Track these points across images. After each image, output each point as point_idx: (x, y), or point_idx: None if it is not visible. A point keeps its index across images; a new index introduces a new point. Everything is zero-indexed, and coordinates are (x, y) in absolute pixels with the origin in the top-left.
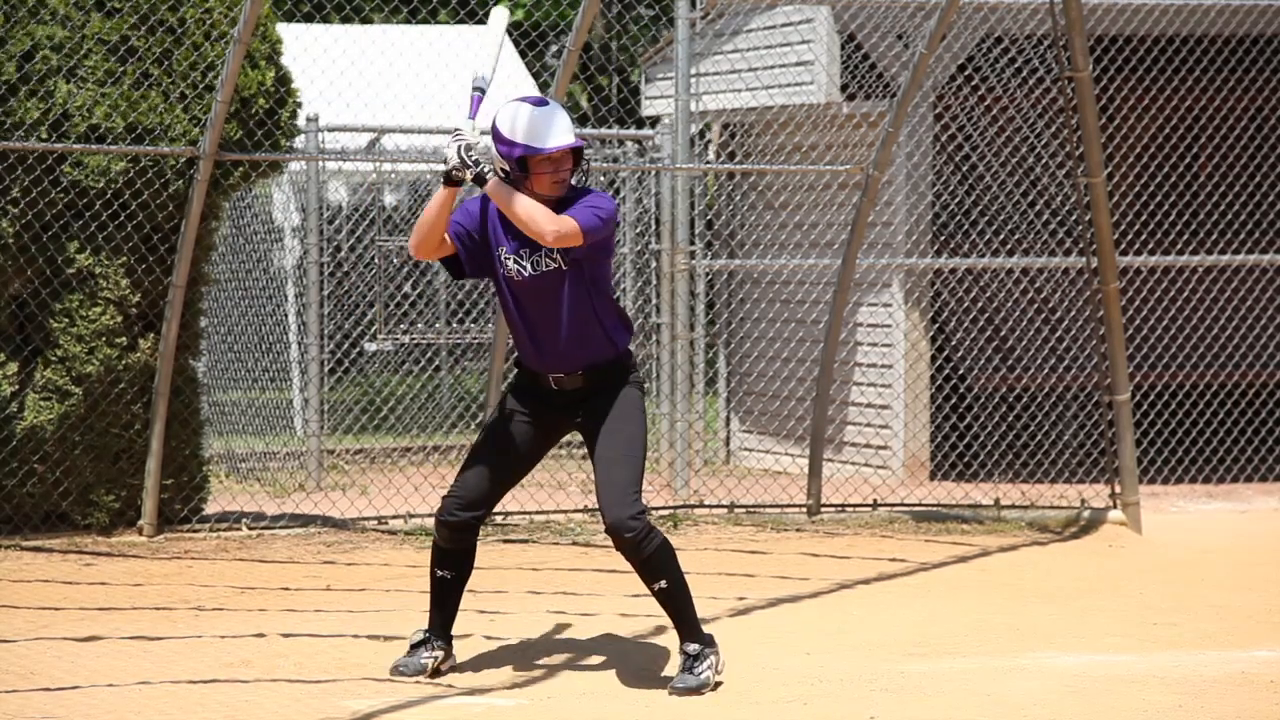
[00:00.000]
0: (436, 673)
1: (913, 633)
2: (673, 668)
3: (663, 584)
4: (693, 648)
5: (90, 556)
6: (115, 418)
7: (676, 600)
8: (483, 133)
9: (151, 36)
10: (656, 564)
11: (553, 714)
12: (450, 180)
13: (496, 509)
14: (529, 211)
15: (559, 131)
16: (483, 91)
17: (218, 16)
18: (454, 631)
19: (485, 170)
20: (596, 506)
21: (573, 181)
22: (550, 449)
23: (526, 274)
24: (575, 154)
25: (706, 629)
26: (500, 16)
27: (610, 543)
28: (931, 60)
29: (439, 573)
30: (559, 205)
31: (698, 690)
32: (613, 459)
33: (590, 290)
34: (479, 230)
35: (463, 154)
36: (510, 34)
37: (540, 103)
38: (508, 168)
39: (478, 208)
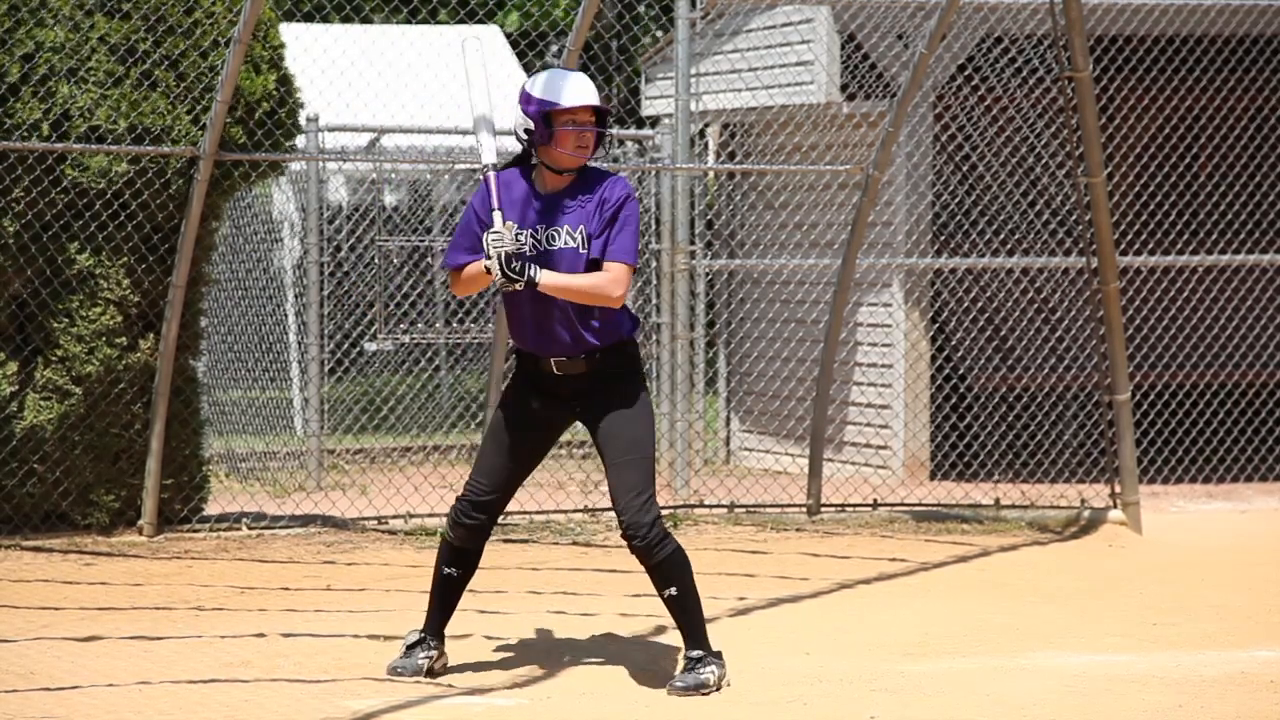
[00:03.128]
0: (431, 672)
1: (913, 633)
2: (673, 668)
3: (673, 591)
4: (696, 652)
5: (90, 556)
6: (115, 418)
7: (686, 609)
8: (497, 158)
9: (155, 38)
10: (667, 571)
11: (553, 714)
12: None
13: None
14: (587, 288)
15: (585, 91)
16: (494, 168)
17: (219, 17)
18: (455, 632)
19: (534, 275)
20: (598, 507)
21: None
22: (556, 441)
23: (537, 251)
24: (599, 124)
25: (707, 629)
26: (472, 47)
27: (610, 542)
28: (931, 60)
29: (445, 570)
30: (579, 183)
31: (697, 689)
32: (626, 462)
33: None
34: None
35: (506, 270)
36: (509, 35)
37: (569, 70)
38: (532, 127)
39: (479, 210)
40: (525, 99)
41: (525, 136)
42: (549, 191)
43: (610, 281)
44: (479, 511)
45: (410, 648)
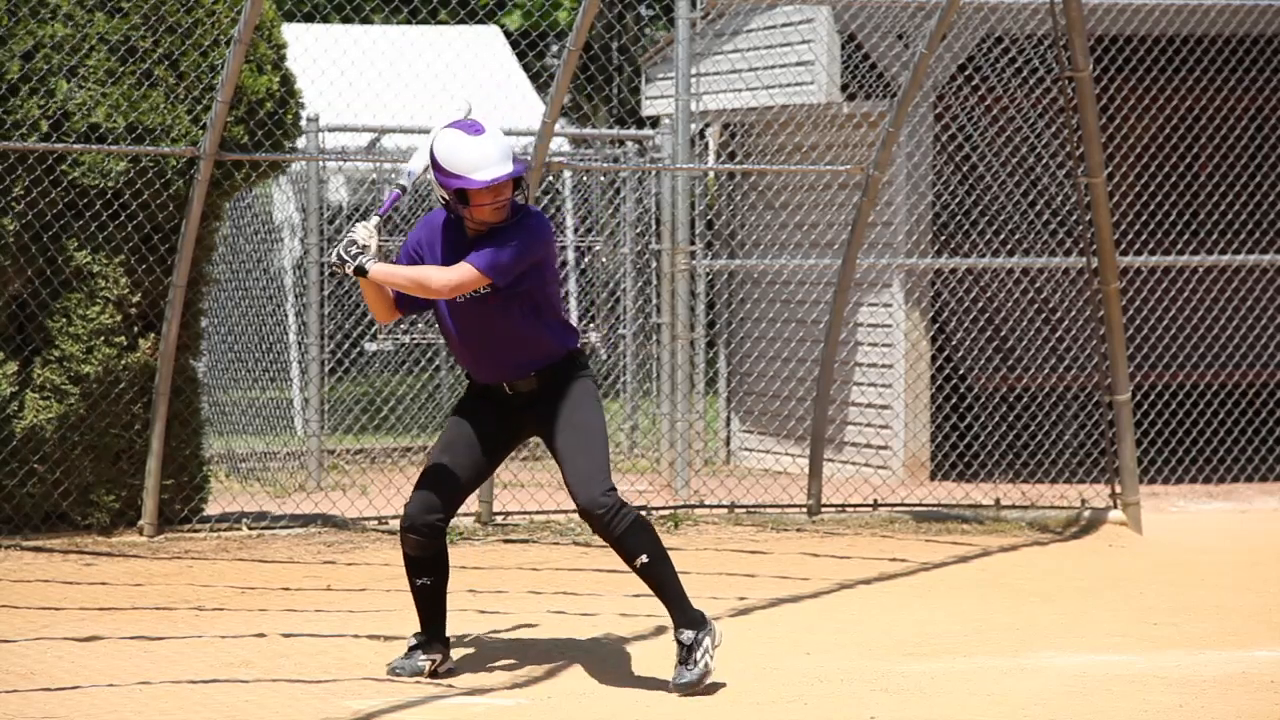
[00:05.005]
0: (434, 674)
1: (913, 633)
2: (672, 668)
3: (643, 559)
4: (685, 635)
5: (90, 557)
6: (115, 418)
7: (660, 575)
8: (408, 188)
9: (155, 36)
10: (632, 539)
11: (553, 714)
12: (355, 271)
13: (496, 509)
14: (415, 279)
15: (497, 161)
16: (402, 189)
17: (220, 16)
18: (455, 632)
19: (365, 262)
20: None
21: (518, 198)
22: (512, 449)
23: (462, 299)
24: (516, 178)
25: None
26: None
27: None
28: (932, 60)
29: (417, 581)
30: (493, 229)
31: (698, 682)
32: (575, 449)
33: (530, 307)
34: (420, 261)
35: (343, 252)
36: (509, 35)
37: (477, 130)
38: (447, 196)
39: (414, 242)
40: (439, 169)
41: (442, 201)
42: (473, 235)
43: (439, 273)
44: (428, 514)
45: (412, 649)
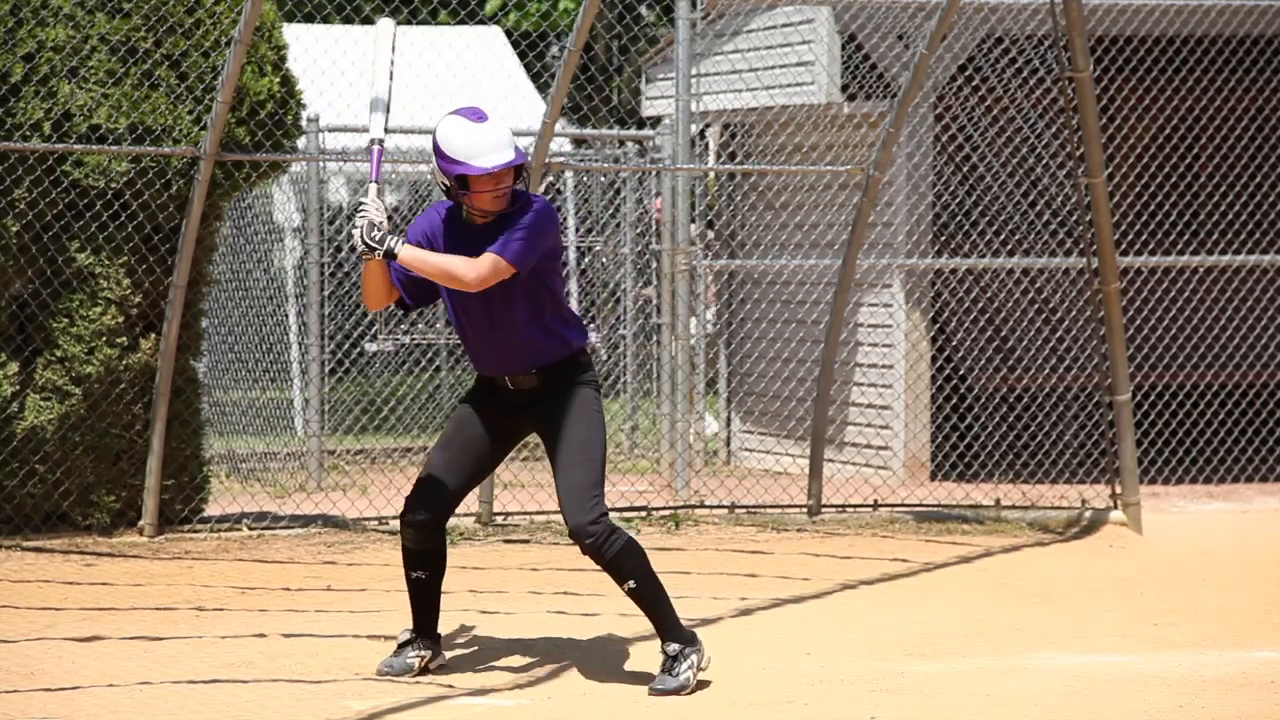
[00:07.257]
0: (424, 671)
1: (914, 633)
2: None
3: (631, 584)
4: (672, 648)
5: (91, 557)
6: (116, 418)
7: (648, 599)
8: (385, 135)
9: (156, 37)
10: (621, 565)
11: (554, 714)
12: (385, 256)
13: (496, 509)
14: (445, 269)
15: (498, 149)
16: (380, 144)
17: (221, 17)
18: (456, 632)
19: (393, 245)
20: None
21: (519, 187)
22: (512, 448)
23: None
24: (516, 167)
25: (708, 629)
26: (386, 28)
27: None
28: (932, 60)
29: (413, 575)
30: (498, 218)
31: (677, 691)
32: (571, 464)
33: (536, 295)
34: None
35: (366, 239)
36: (510, 35)
37: (479, 117)
38: (448, 183)
39: (419, 232)
40: (440, 155)
41: (443, 187)
42: (479, 224)
43: (468, 265)
44: (429, 511)
45: (401, 646)
